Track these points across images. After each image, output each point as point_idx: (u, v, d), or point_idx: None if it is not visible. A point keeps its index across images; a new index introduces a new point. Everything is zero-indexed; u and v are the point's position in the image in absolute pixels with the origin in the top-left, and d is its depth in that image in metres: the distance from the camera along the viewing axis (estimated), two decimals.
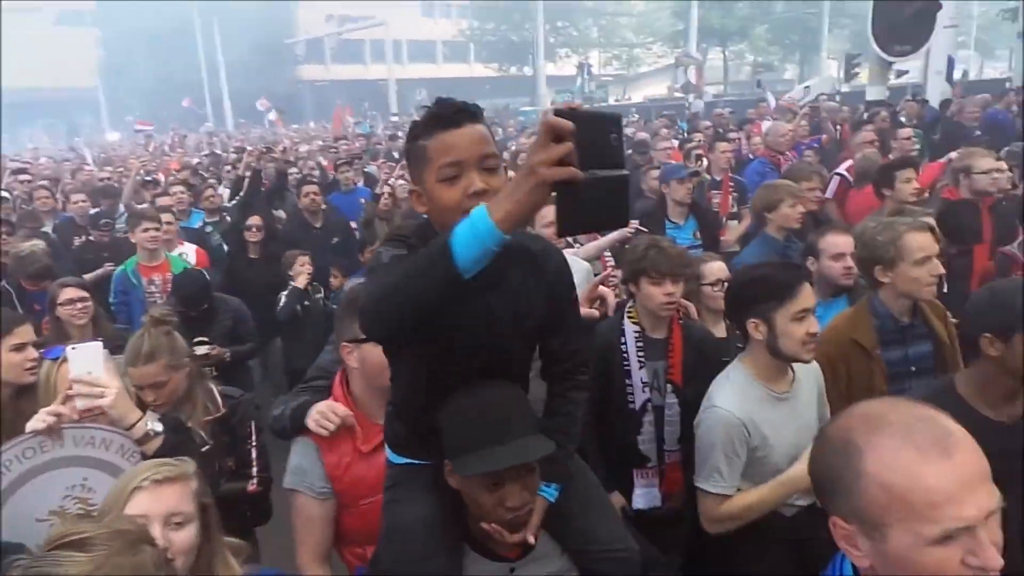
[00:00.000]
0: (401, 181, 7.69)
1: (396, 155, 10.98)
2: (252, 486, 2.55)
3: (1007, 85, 13.86)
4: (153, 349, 2.49)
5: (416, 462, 1.64)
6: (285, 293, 5.06)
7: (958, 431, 0.98)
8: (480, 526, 1.60)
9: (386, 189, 6.60)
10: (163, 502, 1.60)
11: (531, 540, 1.57)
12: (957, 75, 11.67)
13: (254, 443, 2.63)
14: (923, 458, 0.94)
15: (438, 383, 1.53)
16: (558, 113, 1.13)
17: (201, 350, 4.09)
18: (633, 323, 2.78)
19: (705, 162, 6.11)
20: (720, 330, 3.16)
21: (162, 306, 3.84)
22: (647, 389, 2.74)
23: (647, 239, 2.88)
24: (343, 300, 2.20)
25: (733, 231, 5.65)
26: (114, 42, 44.75)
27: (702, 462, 2.31)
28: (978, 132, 8.55)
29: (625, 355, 2.75)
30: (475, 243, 1.15)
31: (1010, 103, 10.17)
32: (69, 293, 3.65)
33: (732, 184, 5.98)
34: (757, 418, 2.25)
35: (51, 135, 31.14)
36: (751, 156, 7.94)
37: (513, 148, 10.83)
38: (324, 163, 11.14)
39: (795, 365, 2.34)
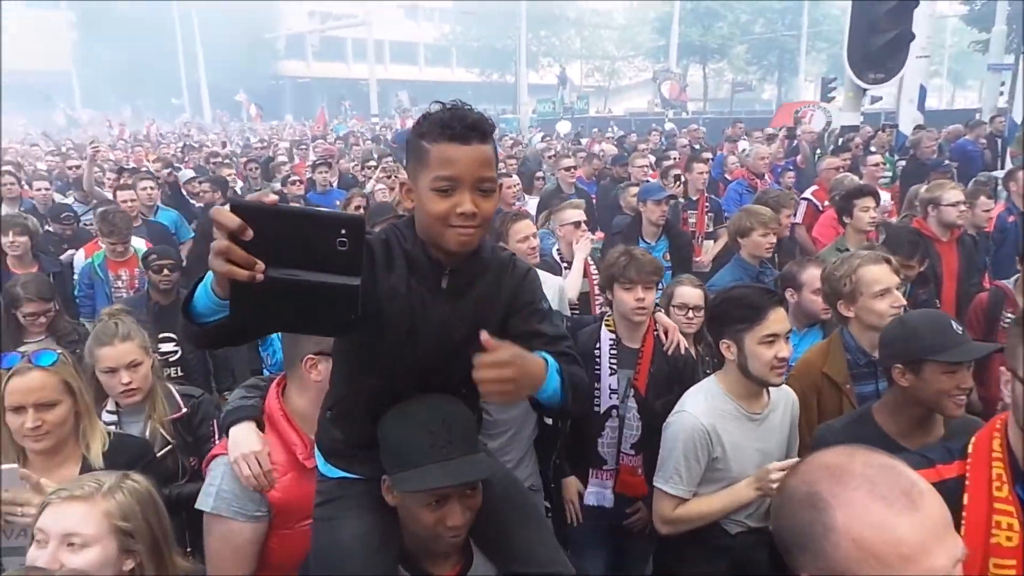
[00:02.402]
0: (380, 186, 7.61)
1: (376, 158, 10.85)
2: None
3: (976, 116, 14.21)
4: (128, 329, 2.56)
5: (352, 475, 1.58)
6: None
7: (920, 481, 0.98)
8: (417, 544, 1.56)
9: (358, 201, 6.24)
10: (64, 520, 1.55)
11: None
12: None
13: (216, 442, 2.59)
14: (892, 510, 0.94)
15: (384, 392, 1.49)
16: (234, 207, 1.09)
17: (166, 347, 4.02)
18: (610, 331, 2.85)
19: (682, 181, 6.15)
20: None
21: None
22: (613, 395, 2.80)
23: (621, 248, 2.96)
24: None
25: (708, 251, 5.71)
26: (88, 26, 43.77)
27: (663, 463, 2.38)
28: (948, 161, 8.73)
29: (598, 360, 2.82)
30: (204, 295, 1.20)
31: (979, 135, 10.42)
32: (30, 308, 3.61)
33: (708, 204, 6.04)
34: (721, 429, 2.31)
35: (27, 118, 30.29)
36: (728, 177, 8.02)
37: None
38: (298, 160, 11.02)
39: (772, 391, 2.39)
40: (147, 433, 2.59)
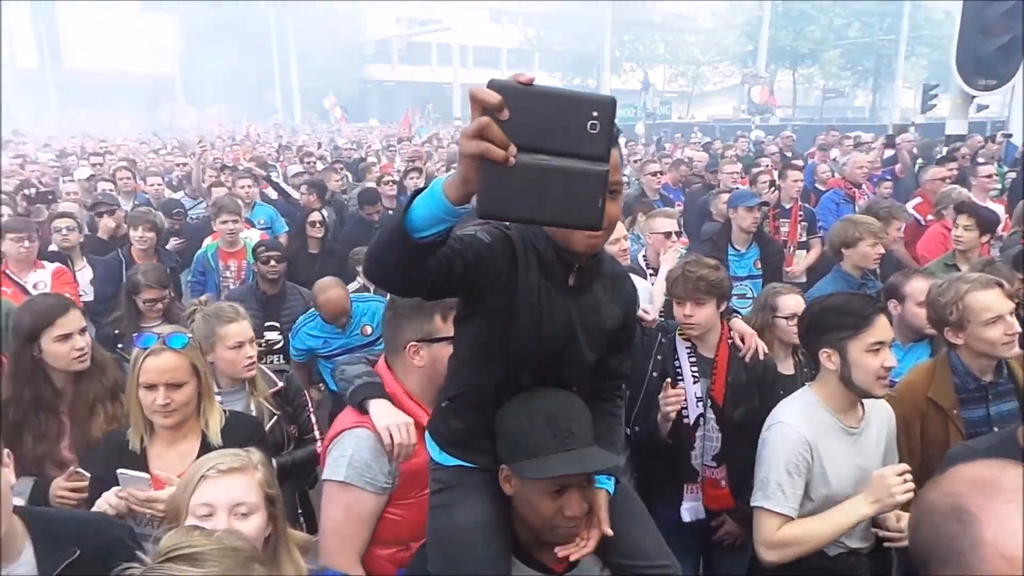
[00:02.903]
0: None
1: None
2: (321, 448, 2.62)
3: None
4: (239, 309, 2.84)
5: (468, 464, 1.63)
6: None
7: None
8: (528, 535, 1.59)
9: None
10: (228, 491, 1.64)
11: (609, 532, 1.55)
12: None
13: (311, 409, 2.92)
14: None
15: (505, 384, 1.54)
16: (492, 84, 1.04)
17: (271, 335, 4.25)
18: (684, 340, 2.84)
19: (776, 189, 5.99)
20: (788, 366, 3.10)
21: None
22: (700, 404, 2.76)
23: (682, 262, 2.92)
24: (407, 302, 2.11)
25: (800, 261, 5.54)
26: (193, 32, 46.35)
27: (764, 480, 2.25)
28: None
29: (679, 370, 2.80)
30: (426, 204, 1.15)
31: None
32: (148, 294, 3.84)
33: (801, 213, 5.86)
34: (820, 443, 2.22)
35: (132, 118, 32.43)
36: (819, 186, 7.75)
37: None
38: (385, 161, 11.34)
39: (867, 404, 2.29)
40: (252, 409, 2.77)
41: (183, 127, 26.62)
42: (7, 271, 4.34)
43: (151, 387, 2.15)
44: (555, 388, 1.55)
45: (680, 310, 2.76)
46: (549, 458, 1.44)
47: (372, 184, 7.57)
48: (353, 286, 4.92)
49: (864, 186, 6.87)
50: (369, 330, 4.12)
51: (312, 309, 4.09)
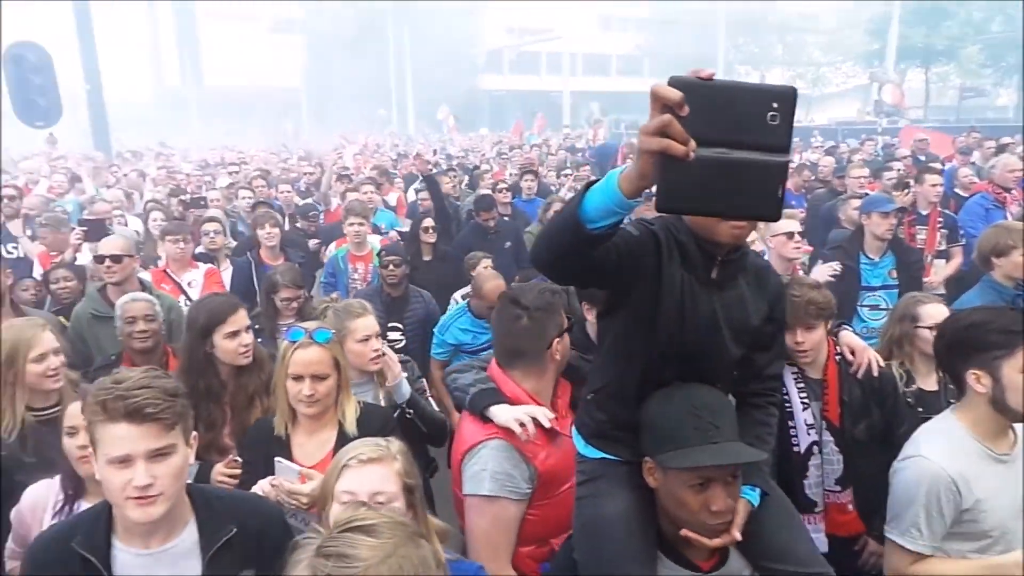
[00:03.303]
0: (571, 194, 7.80)
1: (570, 167, 11.11)
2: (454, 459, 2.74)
3: None
4: (365, 305, 2.98)
5: (612, 457, 1.65)
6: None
7: None
8: (674, 530, 1.59)
9: (557, 206, 6.63)
10: (368, 481, 1.72)
11: (738, 537, 1.54)
12: None
13: (429, 395, 3.13)
14: None
15: (649, 377, 1.56)
16: (672, 81, 1.06)
17: (393, 335, 4.44)
18: (789, 365, 2.66)
19: (908, 192, 5.63)
20: (931, 382, 2.90)
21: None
22: (812, 431, 2.62)
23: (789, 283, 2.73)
24: (542, 304, 2.19)
25: (939, 271, 5.19)
26: (317, 48, 49.10)
27: (898, 515, 2.12)
28: None
29: (787, 397, 2.64)
30: (600, 196, 1.18)
31: None
32: (286, 293, 4.06)
33: (941, 219, 5.48)
34: (971, 477, 2.04)
35: (262, 131, 34.72)
36: (959, 191, 7.21)
37: None
38: (497, 168, 11.54)
39: (1018, 427, 2.11)
40: (381, 399, 2.90)
41: (307, 139, 28.17)
42: (167, 270, 4.78)
43: (298, 378, 2.31)
44: (699, 384, 1.56)
45: (790, 337, 2.55)
46: (691, 450, 1.46)
47: (487, 191, 7.75)
48: (465, 290, 5.08)
49: (1014, 191, 6.34)
50: None
51: (459, 306, 4.31)
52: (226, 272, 5.33)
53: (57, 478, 2.25)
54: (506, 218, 6.84)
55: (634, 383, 1.59)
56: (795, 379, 2.67)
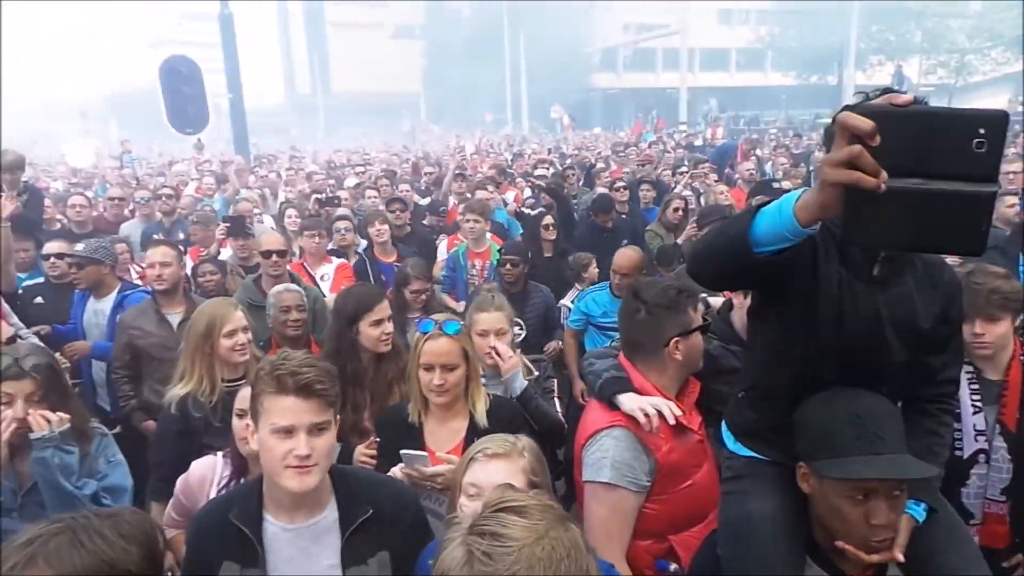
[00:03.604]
0: (688, 192, 7.61)
1: (686, 165, 10.85)
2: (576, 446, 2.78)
3: None
4: (500, 303, 3.06)
5: (761, 457, 1.61)
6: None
7: None
8: (827, 537, 1.52)
9: (676, 203, 6.47)
10: (493, 475, 1.75)
11: (899, 558, 1.45)
12: None
13: (557, 395, 3.14)
14: None
15: (805, 378, 1.50)
16: (863, 109, 0.99)
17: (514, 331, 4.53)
18: (965, 362, 2.49)
19: None
20: None
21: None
22: (980, 438, 2.44)
23: (964, 274, 2.53)
24: (663, 301, 2.18)
25: None
26: (435, 52, 50.61)
27: None
28: None
29: (957, 399, 2.45)
30: (772, 221, 1.15)
31: None
32: (416, 285, 4.23)
33: None
34: None
35: (383, 134, 36.30)
36: None
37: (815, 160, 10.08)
38: (614, 166, 11.44)
39: None
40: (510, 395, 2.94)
41: (424, 140, 29.15)
42: (304, 263, 5.11)
43: (429, 368, 2.40)
44: (861, 389, 1.48)
45: (967, 328, 2.40)
46: (852, 459, 1.39)
47: (604, 190, 7.71)
48: (572, 295, 5.10)
49: None
50: None
51: (604, 283, 4.56)
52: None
53: (221, 455, 2.46)
54: (624, 216, 6.79)
55: (788, 385, 1.54)
56: (969, 379, 2.50)
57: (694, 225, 5.55)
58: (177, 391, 2.85)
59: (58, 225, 6.41)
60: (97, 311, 4.35)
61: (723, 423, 1.76)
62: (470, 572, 1.01)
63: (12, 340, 3.16)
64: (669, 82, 42.97)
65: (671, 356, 2.12)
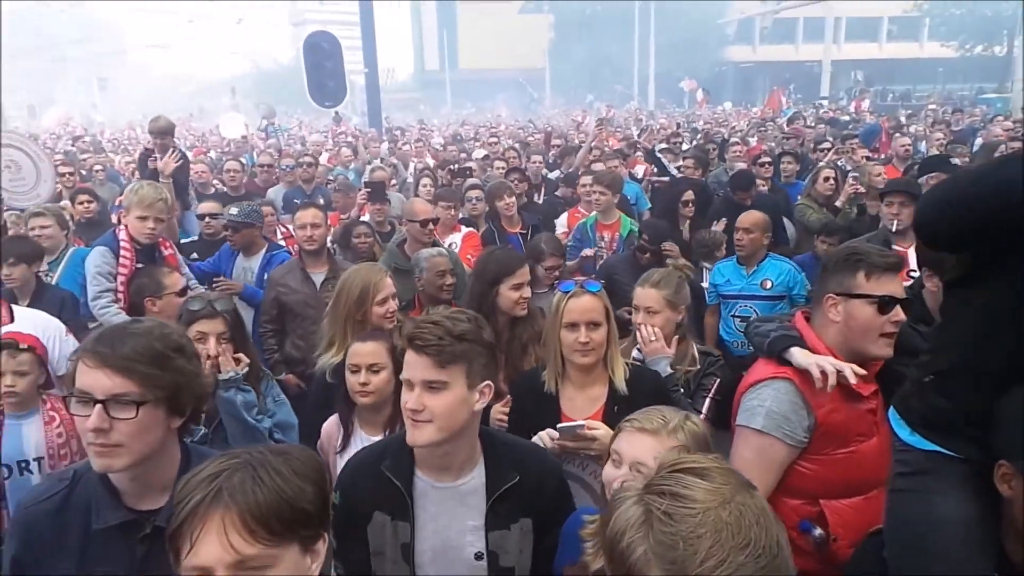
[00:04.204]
0: (841, 161, 7.13)
1: (830, 140, 10.14)
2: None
3: None
4: (661, 281, 2.87)
5: (947, 452, 1.43)
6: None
7: None
8: (1021, 552, 1.35)
9: (827, 172, 6.09)
10: (635, 448, 1.68)
11: None
12: None
13: (713, 395, 2.76)
14: None
15: (1019, 362, 1.32)
16: None
17: None
18: None
19: None
20: None
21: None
22: None
23: None
24: (836, 255, 2.13)
25: None
26: (563, 27, 50.20)
27: None
28: None
29: None
30: None
31: None
32: (551, 262, 4.16)
33: None
34: None
35: (509, 108, 36.59)
36: None
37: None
38: (753, 143, 10.88)
39: None
40: None
41: (549, 115, 29.07)
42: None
43: (572, 326, 2.33)
44: None
45: None
46: None
47: (742, 165, 7.34)
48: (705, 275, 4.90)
49: None
50: (769, 284, 4.32)
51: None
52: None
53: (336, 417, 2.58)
54: (765, 190, 6.43)
55: (995, 369, 1.35)
56: None
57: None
58: (329, 358, 2.87)
59: (212, 189, 6.91)
60: (245, 268, 4.64)
61: (891, 410, 1.58)
62: (648, 531, 0.94)
63: (184, 292, 3.41)
64: (810, 55, 40.41)
65: (827, 314, 2.03)
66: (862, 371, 1.89)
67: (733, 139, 11.17)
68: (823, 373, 1.86)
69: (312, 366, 3.13)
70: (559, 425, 2.22)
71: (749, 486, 1.00)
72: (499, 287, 2.98)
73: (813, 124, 14.55)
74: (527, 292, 3.02)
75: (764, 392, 2.01)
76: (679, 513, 0.93)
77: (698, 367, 2.81)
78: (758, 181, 6.33)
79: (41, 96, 46.82)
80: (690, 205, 5.56)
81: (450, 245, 5.23)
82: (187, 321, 2.55)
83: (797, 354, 1.98)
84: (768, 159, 7.14)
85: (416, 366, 1.65)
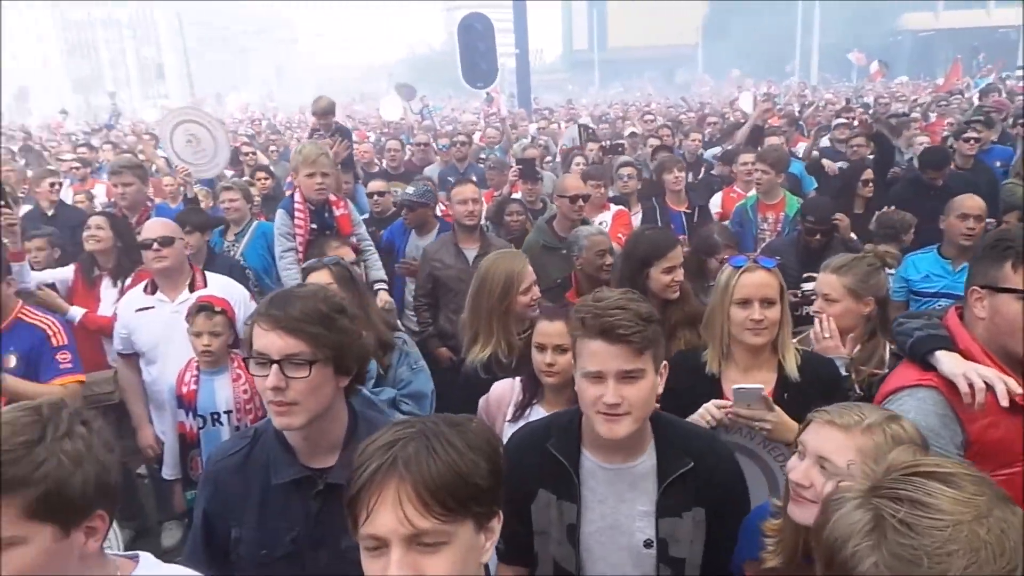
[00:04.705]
0: None
1: None
2: None
3: None
4: (846, 263, 2.68)
5: None
6: None
7: None
8: None
9: None
10: (821, 441, 1.50)
11: None
12: None
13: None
14: None
15: None
16: None
17: (808, 286, 4.11)
18: None
19: None
20: None
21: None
22: None
23: None
24: (986, 241, 1.87)
25: None
26: (719, 2, 47.88)
27: None
28: None
29: None
30: None
31: None
32: (727, 255, 3.90)
33: None
34: None
35: (655, 86, 35.55)
36: None
37: None
38: (933, 118, 9.84)
39: None
40: None
41: (701, 94, 27.92)
42: None
43: (744, 303, 2.18)
44: None
45: None
46: None
47: (925, 140, 6.64)
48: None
49: None
50: None
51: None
52: (636, 216, 5.51)
53: (519, 379, 2.53)
54: (960, 171, 5.75)
55: None
56: None
57: None
58: (477, 354, 2.82)
59: (376, 168, 7.26)
60: (419, 246, 4.75)
61: None
62: (881, 541, 0.83)
63: (359, 252, 3.60)
64: (1001, 20, 35.88)
65: (973, 309, 1.80)
66: (1018, 389, 1.63)
67: (913, 114, 10.20)
68: (971, 386, 1.63)
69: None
70: (735, 386, 2.07)
71: (1008, 500, 0.84)
72: (649, 269, 2.86)
73: (1012, 98, 12.89)
74: (679, 275, 2.89)
75: (906, 403, 1.76)
76: (921, 524, 0.80)
77: (886, 371, 2.44)
78: (957, 158, 5.66)
79: (226, 84, 51.68)
80: (870, 184, 5.09)
81: (600, 224, 5.15)
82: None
83: (944, 359, 1.74)
84: (975, 135, 6.16)
85: (609, 356, 1.57)
